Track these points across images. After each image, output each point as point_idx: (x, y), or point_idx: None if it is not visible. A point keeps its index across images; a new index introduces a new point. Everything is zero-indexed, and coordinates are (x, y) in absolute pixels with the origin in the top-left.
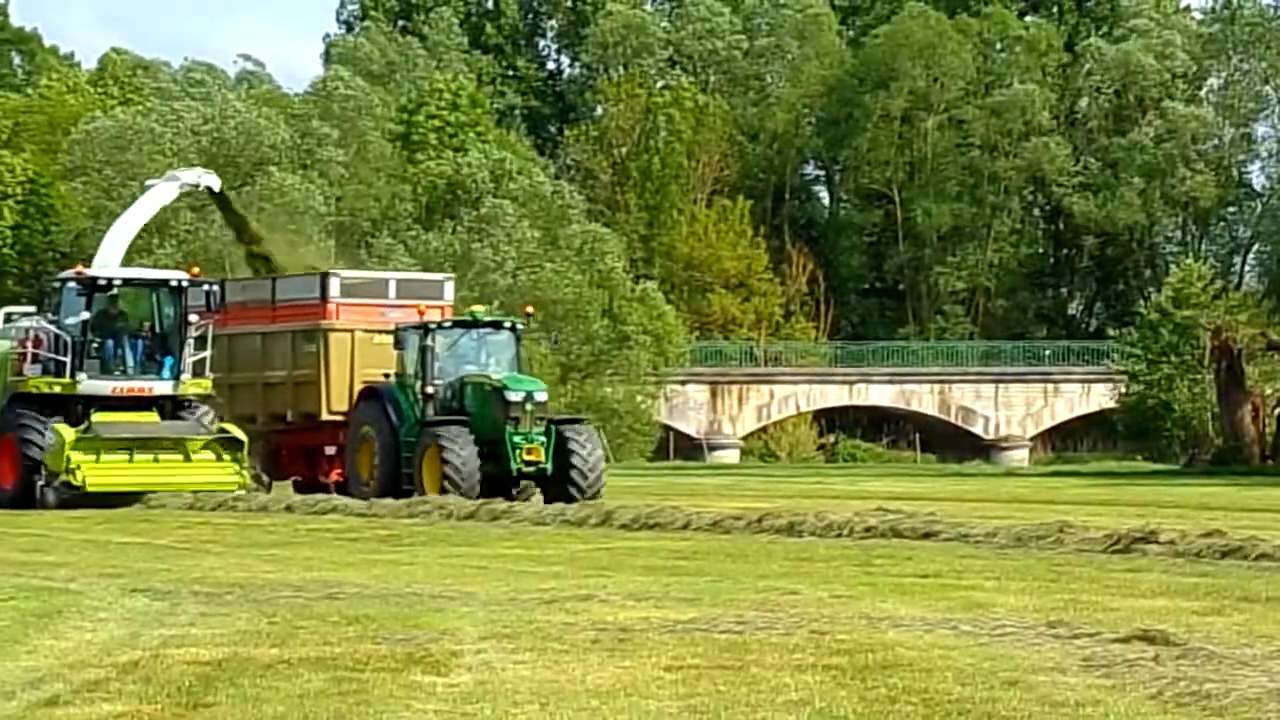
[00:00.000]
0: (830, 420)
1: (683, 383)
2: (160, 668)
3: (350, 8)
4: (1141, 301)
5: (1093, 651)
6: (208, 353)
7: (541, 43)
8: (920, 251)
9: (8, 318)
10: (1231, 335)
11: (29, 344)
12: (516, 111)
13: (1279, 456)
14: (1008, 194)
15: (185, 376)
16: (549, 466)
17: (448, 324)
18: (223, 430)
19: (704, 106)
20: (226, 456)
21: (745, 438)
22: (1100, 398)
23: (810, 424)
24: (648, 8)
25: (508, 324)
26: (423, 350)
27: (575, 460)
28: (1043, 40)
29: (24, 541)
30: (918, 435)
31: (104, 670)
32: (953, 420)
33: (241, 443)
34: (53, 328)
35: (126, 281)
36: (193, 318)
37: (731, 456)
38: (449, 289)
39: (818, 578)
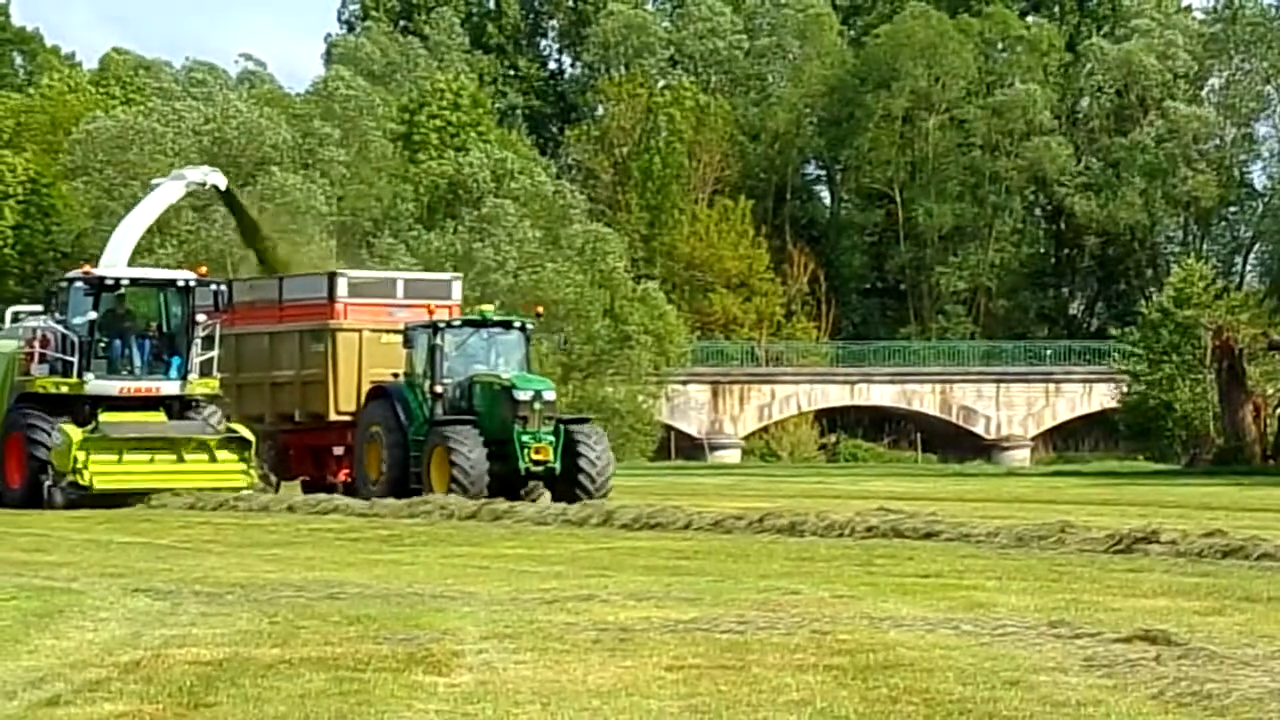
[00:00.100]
0: (831, 420)
1: (684, 382)
2: (161, 667)
3: (351, 8)
4: (1143, 301)
5: (1094, 651)
6: (215, 352)
7: (543, 42)
8: (921, 251)
9: (15, 317)
10: (1233, 335)
11: (36, 344)
12: (518, 111)
13: None
14: (1009, 194)
15: (193, 376)
16: (557, 466)
17: (457, 323)
18: (230, 430)
19: (705, 106)
20: (234, 456)
21: (746, 437)
22: (1102, 398)
23: (811, 424)
24: (649, 7)
25: (517, 323)
26: (431, 349)
27: (584, 460)
28: (1044, 40)
29: (25, 541)
30: (919, 435)
31: (105, 670)
32: (954, 420)
33: (249, 442)
34: (60, 327)
35: (134, 281)
36: (200, 317)
37: (733, 456)
38: (457, 288)
39: (819, 577)
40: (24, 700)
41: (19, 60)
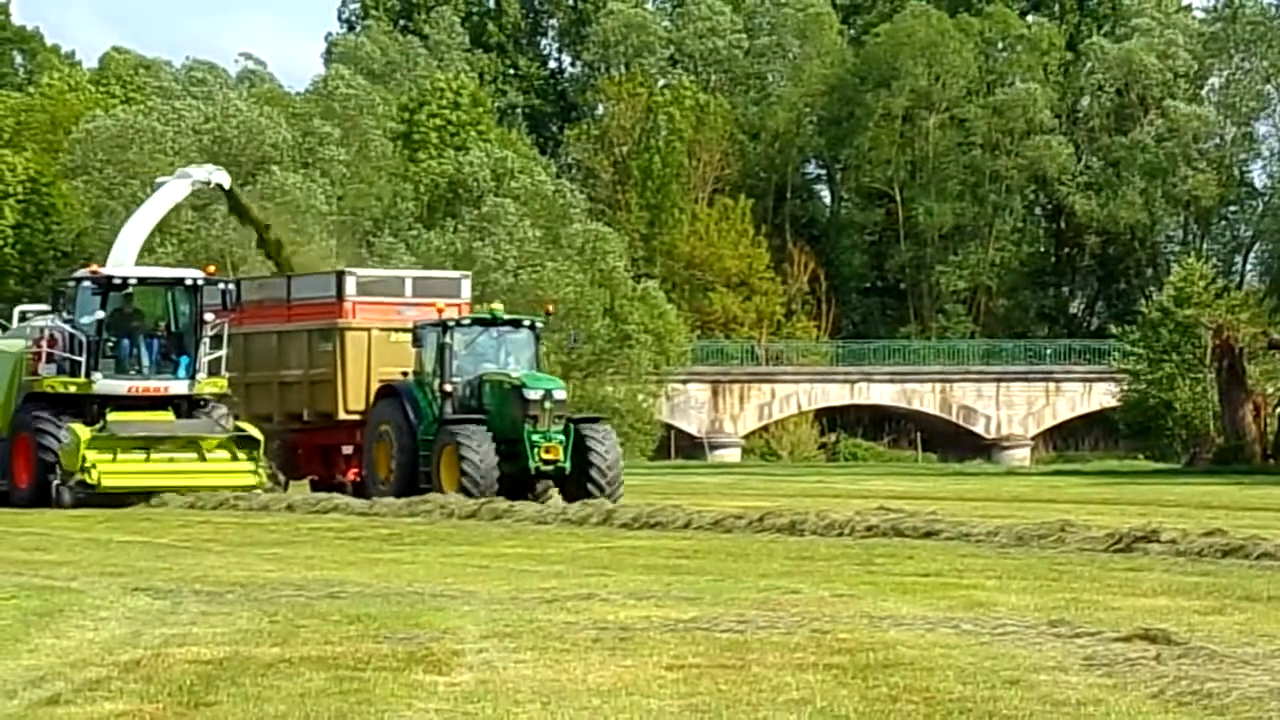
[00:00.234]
0: (831, 419)
1: (684, 382)
2: (162, 666)
3: (351, 7)
4: (1143, 300)
5: (1094, 650)
6: (223, 352)
7: (543, 42)
8: (922, 250)
9: (22, 317)
10: (1233, 334)
11: (44, 343)
12: (518, 110)
13: None
14: (1009, 193)
15: (201, 375)
16: (567, 465)
17: (466, 322)
18: (239, 429)
19: (705, 105)
20: (243, 455)
21: (746, 437)
22: (1102, 397)
23: (811, 423)
24: (649, 7)
25: (526, 322)
26: (441, 348)
27: (594, 459)
28: (1044, 39)
29: (26, 540)
30: (919, 434)
31: (105, 669)
32: (954, 419)
33: (258, 441)
34: (67, 327)
35: (142, 280)
36: (208, 316)
37: (733, 455)
38: (466, 286)
39: (819, 577)
40: (24, 699)
41: (19, 59)
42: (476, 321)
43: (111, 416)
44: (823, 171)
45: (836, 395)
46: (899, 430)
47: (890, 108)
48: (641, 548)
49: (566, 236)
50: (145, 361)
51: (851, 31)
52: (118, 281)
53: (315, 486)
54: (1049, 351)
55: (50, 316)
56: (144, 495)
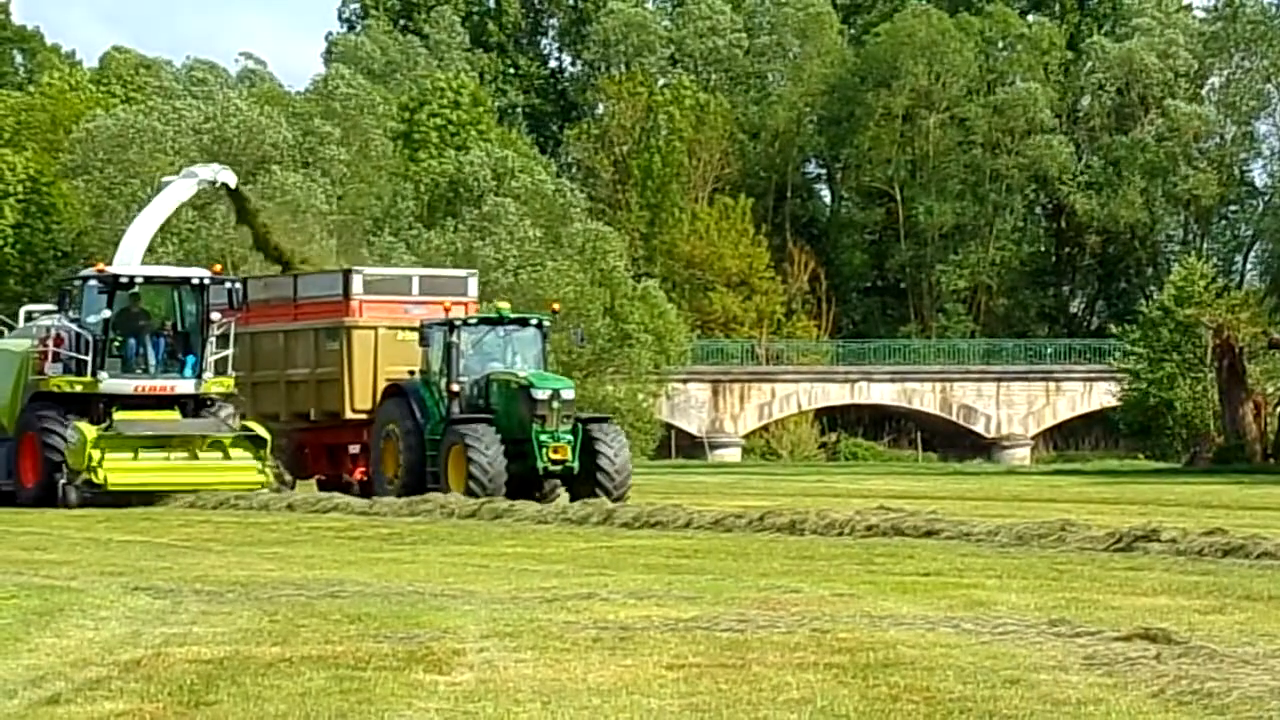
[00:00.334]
0: (832, 419)
1: (684, 381)
2: (162, 666)
3: (352, 6)
4: (1143, 300)
5: (1094, 650)
6: (230, 351)
7: (543, 41)
8: (922, 250)
9: (29, 316)
10: (1233, 333)
11: (50, 343)
12: (518, 110)
13: None
14: (1009, 192)
15: (207, 375)
16: (575, 465)
17: (473, 320)
18: (246, 428)
19: (705, 105)
20: (250, 455)
21: (747, 436)
22: (1102, 396)
23: (812, 422)
24: (649, 6)
25: (534, 320)
26: (448, 347)
27: (603, 460)
28: (1045, 38)
29: (26, 540)
30: (919, 434)
31: (105, 668)
32: (954, 419)
33: (265, 441)
34: (74, 326)
35: (148, 279)
36: (215, 315)
37: (733, 455)
38: (473, 285)
39: (819, 576)
40: (24, 699)
41: (19, 59)
42: (483, 320)
43: (118, 416)
44: (823, 171)
45: (837, 395)
46: (899, 430)
47: (890, 107)
48: (642, 547)
49: (567, 236)
50: (152, 361)
51: (852, 31)
52: (124, 280)
53: (322, 486)
54: (1049, 351)
55: (56, 315)
56: (149, 495)
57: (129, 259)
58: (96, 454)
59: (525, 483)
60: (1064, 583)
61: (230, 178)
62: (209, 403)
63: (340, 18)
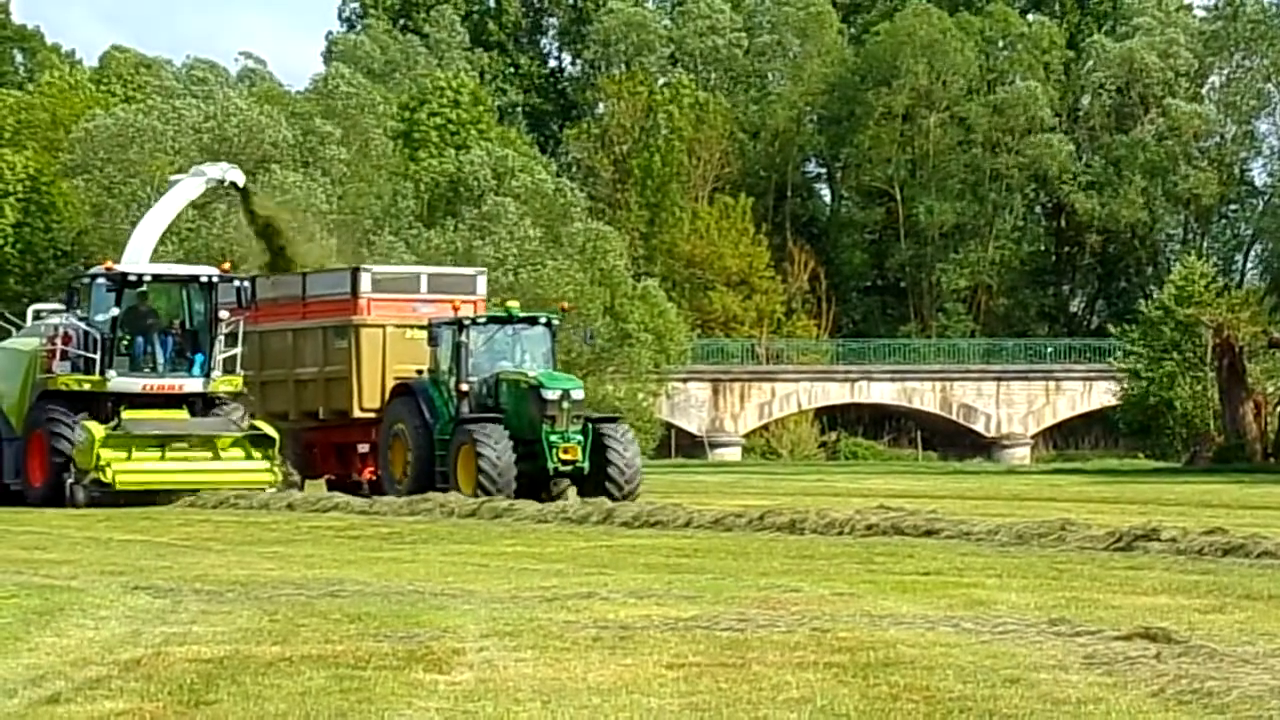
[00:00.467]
0: (832, 418)
1: (684, 380)
2: (162, 665)
3: (352, 5)
4: (1143, 299)
5: (1094, 649)
6: (238, 349)
7: (543, 40)
8: (922, 249)
9: (36, 315)
10: (1233, 333)
11: (58, 341)
12: (518, 109)
13: None
14: (1010, 191)
15: (216, 373)
16: (585, 465)
17: (482, 319)
18: (254, 427)
19: (705, 104)
20: (258, 454)
21: (747, 435)
22: (1102, 395)
23: (812, 422)
24: (649, 5)
25: (543, 319)
26: (457, 346)
27: (613, 459)
28: (1045, 37)
29: (26, 539)
30: (919, 433)
31: (105, 668)
32: (954, 418)
33: (273, 439)
34: (82, 324)
35: (156, 278)
36: (223, 314)
37: (733, 454)
38: (482, 283)
39: (819, 575)
40: (24, 698)
41: (19, 58)
42: (493, 319)
43: (126, 415)
44: (823, 170)
45: (837, 394)
46: (899, 429)
47: (891, 106)
48: (642, 546)
49: (567, 235)
50: (160, 359)
51: (852, 30)
52: (132, 279)
53: (332, 485)
54: (1049, 350)
55: (64, 314)
56: (153, 494)
57: (137, 257)
58: (105, 453)
59: (535, 483)
60: (1064, 582)
61: (239, 176)
62: (217, 401)
63: (340, 17)
